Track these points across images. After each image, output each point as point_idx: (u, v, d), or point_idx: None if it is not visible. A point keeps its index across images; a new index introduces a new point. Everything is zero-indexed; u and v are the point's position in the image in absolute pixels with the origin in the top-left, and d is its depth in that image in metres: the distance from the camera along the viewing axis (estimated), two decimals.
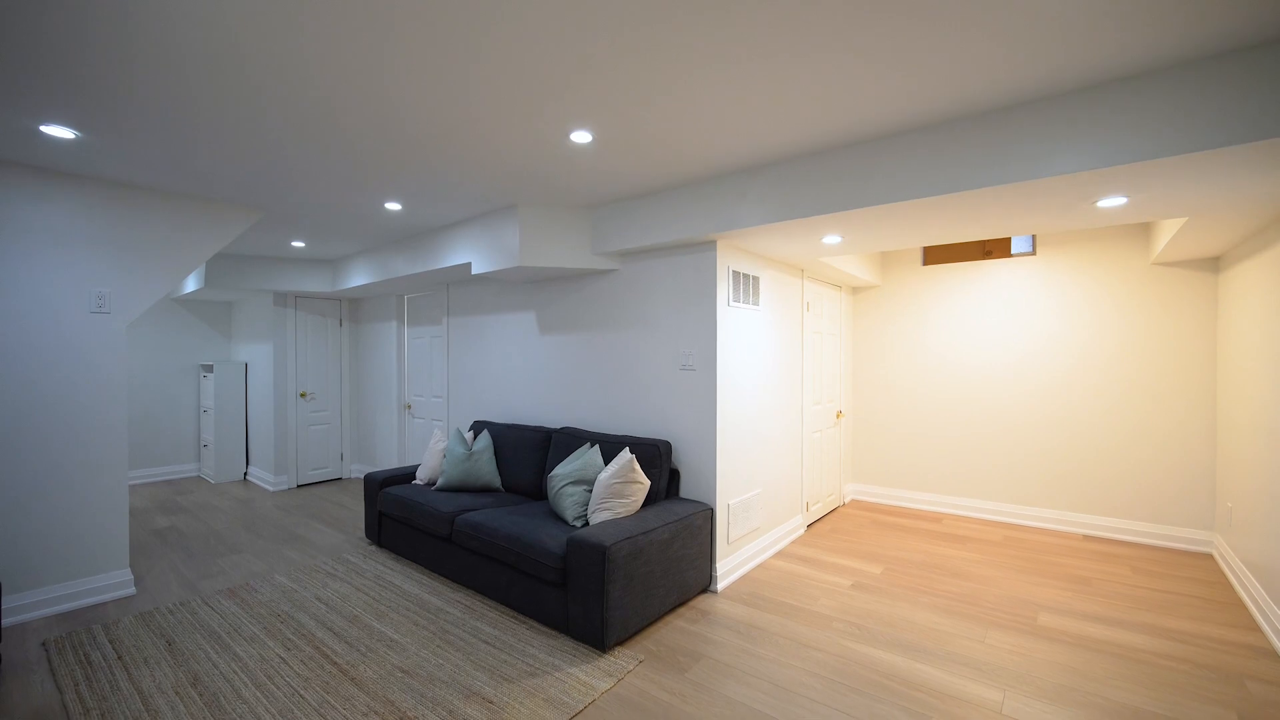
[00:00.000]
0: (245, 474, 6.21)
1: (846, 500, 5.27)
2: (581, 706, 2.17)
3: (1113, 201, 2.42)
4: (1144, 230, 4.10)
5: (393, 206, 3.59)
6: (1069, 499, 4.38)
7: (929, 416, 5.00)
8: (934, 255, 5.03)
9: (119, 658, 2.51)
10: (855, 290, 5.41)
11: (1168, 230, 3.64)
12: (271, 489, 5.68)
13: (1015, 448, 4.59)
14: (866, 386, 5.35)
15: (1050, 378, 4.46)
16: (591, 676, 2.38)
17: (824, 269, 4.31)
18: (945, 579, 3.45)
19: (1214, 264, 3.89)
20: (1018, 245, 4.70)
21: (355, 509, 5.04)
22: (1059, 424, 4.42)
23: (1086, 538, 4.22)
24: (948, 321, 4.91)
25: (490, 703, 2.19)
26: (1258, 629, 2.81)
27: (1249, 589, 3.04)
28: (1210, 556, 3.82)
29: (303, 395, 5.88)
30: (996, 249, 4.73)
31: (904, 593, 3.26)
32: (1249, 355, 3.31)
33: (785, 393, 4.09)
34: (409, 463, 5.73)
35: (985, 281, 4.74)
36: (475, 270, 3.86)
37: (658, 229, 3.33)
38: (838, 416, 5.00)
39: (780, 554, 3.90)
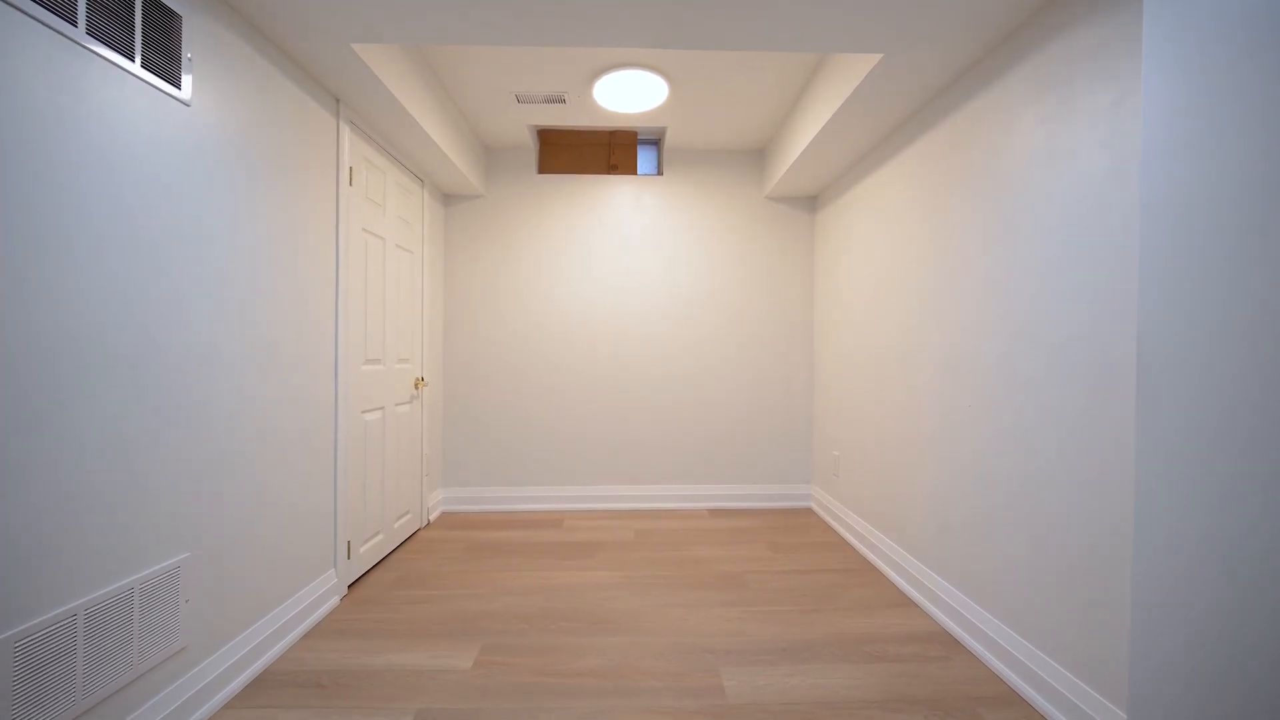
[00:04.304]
0: None
1: (433, 516, 3.44)
2: None
3: None
4: (760, 163, 3.70)
5: None
6: (692, 471, 3.70)
7: (545, 383, 3.65)
8: (551, 161, 3.70)
9: None
10: (449, 198, 3.62)
11: (781, 165, 3.20)
12: None
13: (638, 417, 3.68)
14: (467, 341, 3.64)
15: (672, 329, 3.69)
16: None
17: (382, 112, 2.33)
18: (581, 640, 2.01)
19: (812, 203, 3.74)
20: (644, 166, 3.81)
21: None
22: (681, 384, 3.69)
23: (712, 512, 3.59)
24: (566, 252, 3.65)
25: None
26: (911, 603, 2.33)
27: (861, 536, 2.69)
28: (811, 510, 3.64)
29: None
30: (623, 164, 3.72)
31: (515, 702, 1.62)
32: (836, 301, 3.11)
33: (280, 330, 1.94)
34: None
35: (608, 204, 3.66)
36: None
37: None
38: (417, 385, 3.11)
39: (264, 677, 1.74)
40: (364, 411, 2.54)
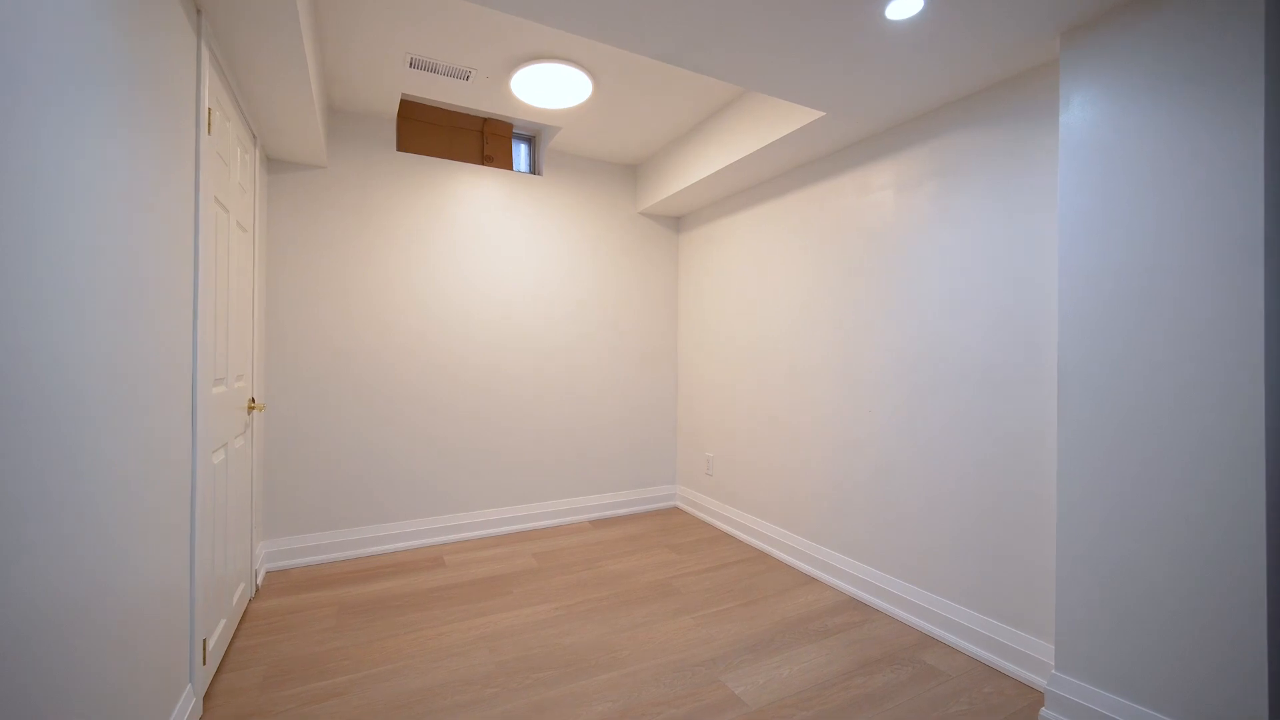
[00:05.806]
0: None
1: (260, 579, 2.61)
2: None
3: (907, 7, 1.55)
4: (632, 178, 3.81)
5: None
6: (574, 483, 3.60)
7: (399, 400, 3.11)
8: (415, 139, 3.18)
9: None
10: (275, 164, 2.79)
11: (662, 187, 3.42)
12: None
13: (509, 432, 3.41)
14: (299, 349, 2.85)
15: (542, 338, 3.52)
16: None
17: (257, 31, 1.69)
18: (565, 689, 1.81)
19: (676, 223, 4.01)
20: (518, 162, 3.55)
21: None
22: (552, 395, 3.56)
23: (593, 523, 3.55)
24: (428, 247, 3.18)
25: None
26: (814, 580, 2.72)
27: (742, 526, 3.04)
28: (679, 509, 3.89)
29: None
30: (497, 156, 3.41)
31: None
32: (701, 319, 3.44)
33: (106, 338, 1.28)
34: None
35: (475, 198, 3.31)
36: None
37: None
38: (250, 409, 2.33)
39: None
40: (214, 449, 1.81)
